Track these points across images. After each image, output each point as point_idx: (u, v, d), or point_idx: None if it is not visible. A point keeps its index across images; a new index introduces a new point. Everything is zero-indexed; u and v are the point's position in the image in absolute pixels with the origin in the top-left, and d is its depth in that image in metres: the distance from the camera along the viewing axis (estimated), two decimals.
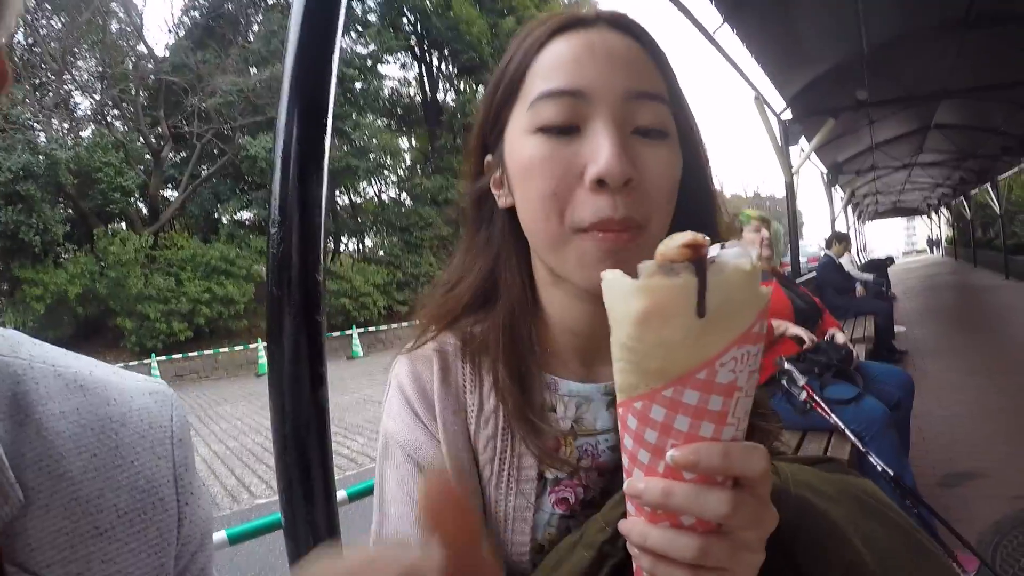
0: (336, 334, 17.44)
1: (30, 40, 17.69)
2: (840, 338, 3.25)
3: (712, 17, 4.95)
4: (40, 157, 15.42)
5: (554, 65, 0.61)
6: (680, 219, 0.65)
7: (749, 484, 0.41)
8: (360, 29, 22.84)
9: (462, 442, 0.68)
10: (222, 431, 8.37)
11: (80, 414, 0.52)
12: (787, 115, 7.40)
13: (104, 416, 0.53)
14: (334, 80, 0.94)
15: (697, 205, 0.68)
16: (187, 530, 0.57)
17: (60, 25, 18.40)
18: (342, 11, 0.92)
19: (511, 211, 0.67)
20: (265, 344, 0.90)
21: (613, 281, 0.39)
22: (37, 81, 18.29)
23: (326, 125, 0.92)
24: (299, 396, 0.91)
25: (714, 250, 0.38)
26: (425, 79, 25.47)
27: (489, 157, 0.70)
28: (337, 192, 22.70)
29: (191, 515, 0.57)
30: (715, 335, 0.37)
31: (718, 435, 0.39)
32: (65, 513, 0.47)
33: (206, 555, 0.61)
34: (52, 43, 18.01)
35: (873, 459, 2.47)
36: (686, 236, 0.37)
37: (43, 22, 18.34)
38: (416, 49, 24.82)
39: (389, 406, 0.72)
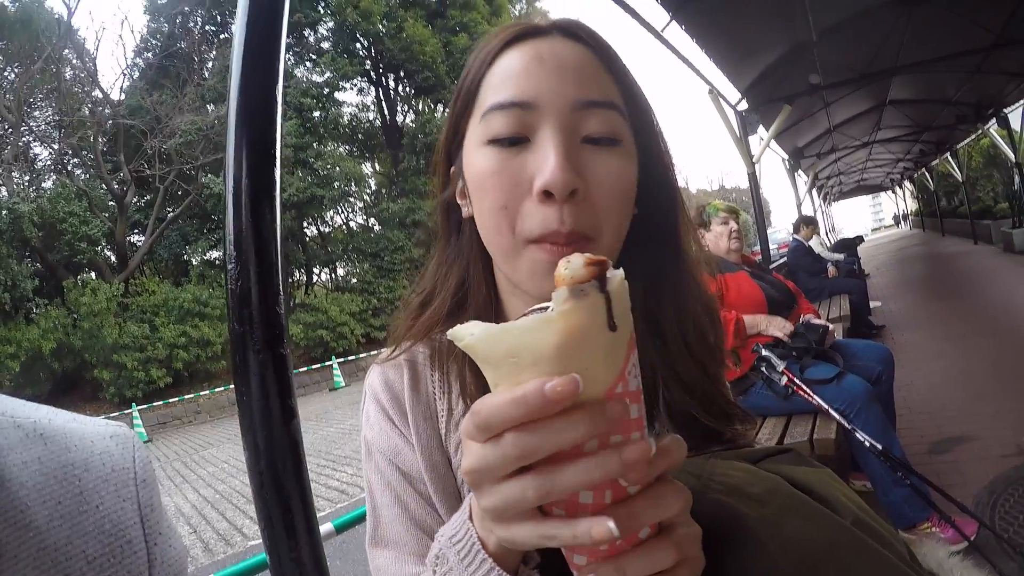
0: (316, 366, 17.29)
1: None
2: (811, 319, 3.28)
3: (659, 15, 5.01)
4: (2, 212, 15.15)
5: (504, 77, 0.61)
6: (642, 223, 0.66)
7: (675, 525, 0.41)
8: (314, 57, 22.84)
9: (435, 446, 0.70)
10: (209, 475, 8.23)
11: (42, 463, 0.51)
12: (743, 106, 7.50)
13: (66, 463, 0.53)
14: (280, 109, 0.93)
15: (659, 208, 0.68)
16: (159, 572, 0.56)
17: (13, 76, 18.13)
18: (283, 37, 0.92)
19: (474, 221, 0.68)
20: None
21: (512, 327, 0.37)
22: None
23: (275, 156, 0.91)
24: (271, 432, 0.89)
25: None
26: (383, 102, 25.54)
27: (453, 169, 0.71)
28: (305, 223, 22.60)
29: (162, 556, 0.57)
30: (620, 346, 0.38)
31: (627, 439, 0.38)
32: (34, 563, 0.47)
33: None
34: (7, 95, 17.72)
35: (860, 435, 2.49)
36: (585, 255, 0.37)
37: None
38: (372, 73, 24.90)
39: (366, 415, 0.75)
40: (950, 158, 16.41)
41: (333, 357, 17.56)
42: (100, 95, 20.28)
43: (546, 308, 0.37)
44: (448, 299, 0.72)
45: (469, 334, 0.38)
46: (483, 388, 0.66)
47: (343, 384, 16.45)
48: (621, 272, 0.38)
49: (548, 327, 0.36)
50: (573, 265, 0.37)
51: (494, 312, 0.72)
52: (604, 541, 0.37)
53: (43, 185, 18.85)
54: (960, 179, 16.67)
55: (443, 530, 0.52)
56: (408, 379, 0.73)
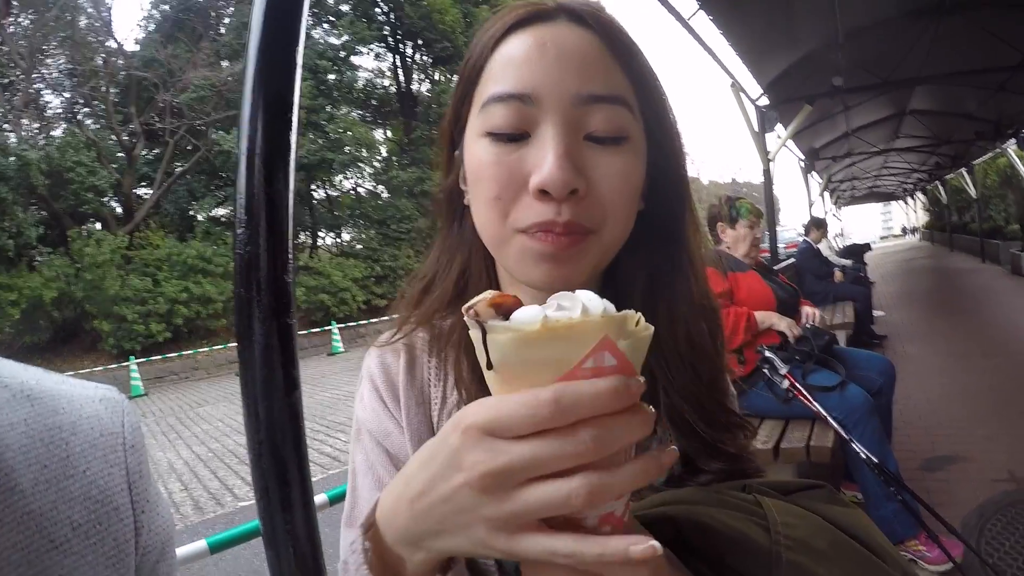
0: (316, 330, 17.33)
1: None
2: (812, 313, 3.26)
3: (687, 3, 4.96)
4: (11, 159, 15.11)
5: (504, 65, 0.58)
6: (647, 219, 0.64)
7: None
8: (332, 19, 22.62)
9: (425, 433, 0.69)
10: (203, 433, 8.28)
11: (28, 425, 0.50)
12: (763, 102, 7.43)
13: (53, 426, 0.52)
14: (299, 72, 0.90)
15: (667, 206, 0.66)
16: (145, 539, 0.56)
17: (28, 23, 17.97)
18: None
19: None
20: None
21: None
22: (6, 81, 17.88)
23: (291, 120, 0.88)
24: (272, 401, 0.87)
25: (544, 309, 0.37)
26: (399, 70, 25.37)
27: (456, 153, 0.68)
28: (313, 186, 22.52)
29: (149, 524, 0.56)
30: (508, 389, 0.38)
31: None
32: (18, 528, 0.46)
33: (168, 564, 0.60)
34: (20, 41, 17.58)
35: (856, 446, 2.49)
36: (485, 295, 0.39)
37: (10, 20, 17.90)
38: (390, 39, 24.70)
39: (361, 395, 0.74)
40: (965, 174, 16.30)
41: (333, 322, 17.55)
42: (114, 45, 20.16)
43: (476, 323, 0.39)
44: (450, 287, 0.71)
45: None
46: (479, 378, 0.65)
47: (342, 350, 16.46)
48: (519, 326, 0.37)
49: None
50: (483, 296, 0.39)
51: None
52: (648, 561, 0.35)
53: (52, 133, 18.74)
54: (974, 196, 16.57)
55: (346, 534, 0.52)
56: (404, 363, 0.72)
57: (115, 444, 0.55)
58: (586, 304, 0.36)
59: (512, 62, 0.58)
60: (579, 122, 0.56)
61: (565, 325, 0.35)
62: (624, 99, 0.58)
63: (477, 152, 0.59)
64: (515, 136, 0.57)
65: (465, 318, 0.38)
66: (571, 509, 0.35)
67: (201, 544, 1.79)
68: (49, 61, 19.18)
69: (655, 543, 0.34)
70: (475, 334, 0.38)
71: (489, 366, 0.38)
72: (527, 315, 0.37)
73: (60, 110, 19.78)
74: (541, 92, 0.56)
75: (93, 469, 0.53)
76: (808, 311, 3.34)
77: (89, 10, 19.50)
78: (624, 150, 0.58)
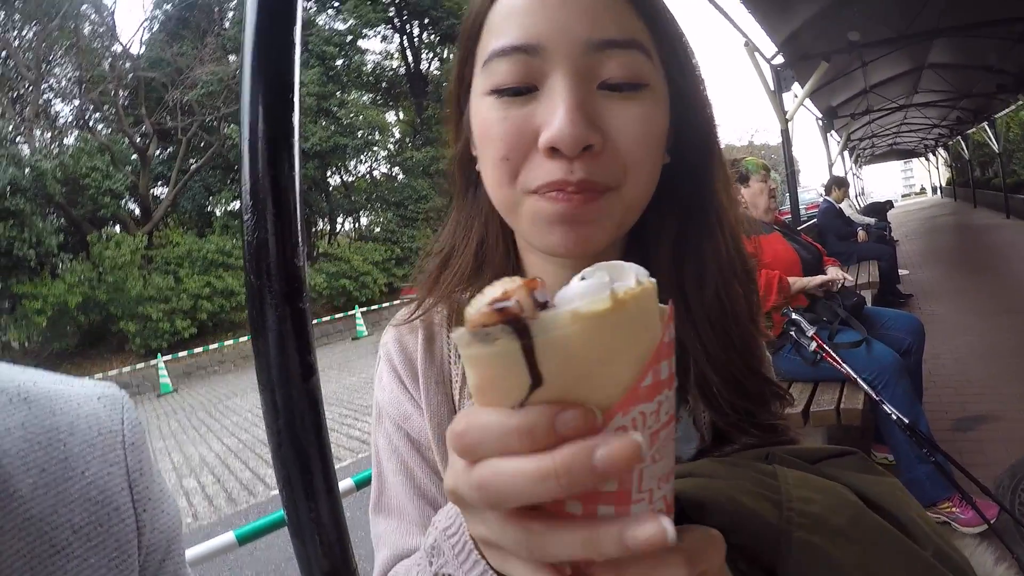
0: (339, 315, 17.49)
1: (3, 52, 17.44)
2: (835, 272, 3.19)
3: None
4: (26, 170, 15.32)
5: (506, 17, 0.54)
6: (672, 174, 0.59)
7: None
8: (337, 5, 22.49)
9: (445, 412, 0.66)
10: (234, 424, 8.41)
11: (25, 428, 0.49)
12: (778, 60, 7.26)
13: (50, 427, 0.51)
14: (298, 52, 0.88)
15: (693, 158, 0.61)
16: (149, 538, 0.55)
17: (32, 34, 18.11)
18: None
19: None
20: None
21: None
22: (15, 94, 18.07)
23: (293, 101, 0.86)
24: (290, 389, 0.86)
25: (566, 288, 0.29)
26: (407, 50, 25.26)
27: (464, 117, 0.64)
28: (328, 172, 22.60)
29: (151, 522, 0.55)
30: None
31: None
32: (19, 535, 0.45)
33: (175, 562, 0.59)
34: (26, 53, 17.74)
35: (887, 407, 2.45)
36: (495, 290, 0.29)
37: (15, 33, 18.05)
38: (396, 20, 24.55)
39: (379, 377, 0.72)
40: (987, 127, 15.84)
41: (356, 307, 17.66)
42: (120, 49, 20.32)
43: (489, 334, 0.28)
44: (470, 258, 0.67)
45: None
46: None
47: (366, 333, 16.59)
48: (586, 305, 0.28)
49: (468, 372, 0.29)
50: (476, 302, 0.29)
51: (512, 270, 0.66)
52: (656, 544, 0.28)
53: (65, 141, 18.98)
54: (997, 150, 16.12)
55: (437, 518, 0.48)
56: (423, 341, 0.69)
57: (114, 443, 0.54)
58: (626, 270, 0.29)
59: (513, 12, 0.53)
60: (591, 71, 0.52)
61: (635, 295, 0.28)
62: (639, 43, 0.53)
63: (482, 111, 0.56)
64: (521, 90, 0.53)
65: (476, 333, 0.28)
66: (525, 557, 0.31)
67: (229, 536, 1.80)
68: (57, 70, 19.39)
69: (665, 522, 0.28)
70: (510, 346, 0.27)
71: (536, 381, 0.28)
72: (580, 290, 0.29)
73: (71, 117, 20.03)
74: (547, 41, 0.51)
75: (92, 470, 0.52)
76: (836, 272, 3.26)
77: (92, 16, 19.60)
78: (643, 97, 0.53)
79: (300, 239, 0.86)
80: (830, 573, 0.44)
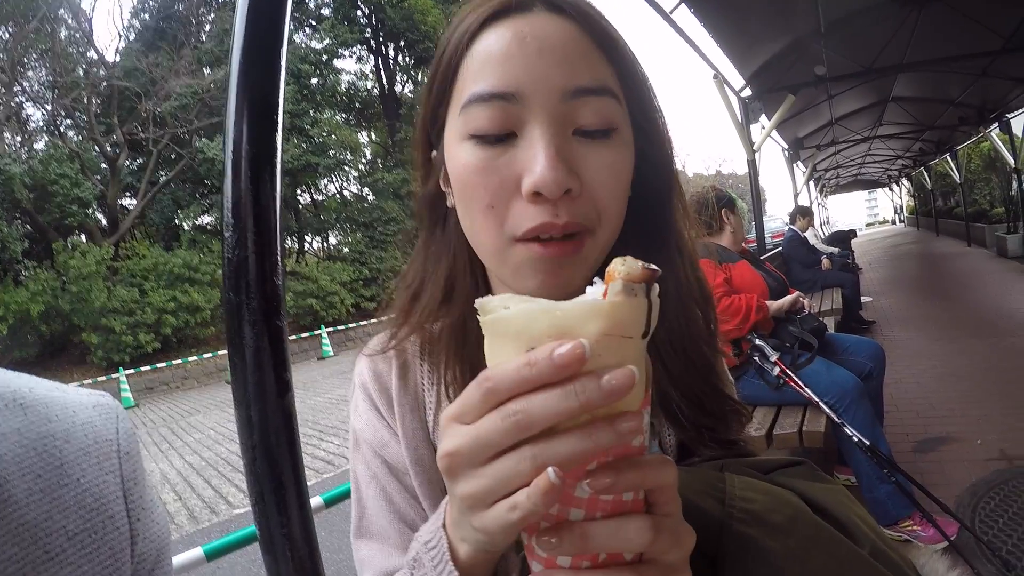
0: (305, 335, 17.29)
1: None
2: (806, 304, 3.27)
3: None
4: None
5: (483, 62, 0.55)
6: (635, 206, 0.61)
7: (662, 503, 0.39)
8: (314, 24, 22.53)
9: (421, 439, 0.68)
10: (196, 442, 8.22)
11: (21, 434, 0.50)
12: (747, 93, 7.46)
13: (46, 434, 0.51)
14: (283, 74, 0.90)
15: (654, 192, 0.64)
16: (141, 547, 0.55)
17: (7, 35, 17.77)
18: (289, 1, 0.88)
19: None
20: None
21: (555, 307, 0.36)
22: None
23: (277, 121, 0.88)
24: (265, 405, 0.87)
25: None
26: (382, 71, 25.31)
27: (435, 154, 0.66)
28: (299, 190, 22.45)
29: (144, 531, 0.56)
30: (645, 360, 0.38)
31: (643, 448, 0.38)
32: (13, 540, 0.45)
33: (163, 571, 0.59)
34: (0, 55, 17.38)
35: (848, 430, 2.51)
36: (637, 262, 0.37)
37: None
38: (372, 42, 24.63)
39: (355, 405, 0.74)
40: (949, 159, 16.42)
41: (323, 326, 17.48)
42: (95, 56, 19.99)
43: (633, 289, 0.37)
44: (438, 292, 0.69)
45: (503, 307, 0.38)
46: (470, 380, 0.65)
47: (331, 353, 16.41)
48: (658, 289, 0.38)
49: (595, 313, 0.35)
50: (630, 263, 0.36)
51: None
52: (547, 490, 0.35)
53: (35, 146, 18.60)
54: (958, 180, 16.69)
55: (420, 533, 0.51)
56: (397, 369, 0.71)
57: (109, 451, 0.55)
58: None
59: (491, 58, 0.55)
60: (567, 117, 0.54)
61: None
62: (611, 89, 0.56)
63: (461, 157, 0.56)
64: (501, 137, 0.54)
65: (624, 284, 0.36)
66: (524, 478, 0.36)
67: (197, 552, 1.77)
68: (30, 74, 18.99)
69: (550, 471, 0.35)
70: (643, 301, 0.36)
71: (646, 334, 0.37)
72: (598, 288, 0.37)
73: (42, 122, 19.59)
74: (526, 89, 0.53)
75: (87, 477, 0.52)
76: (800, 300, 3.35)
77: (69, 21, 19.31)
78: (613, 142, 0.56)
79: (279, 258, 0.88)
80: (764, 563, 0.48)
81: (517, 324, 0.37)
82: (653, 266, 0.37)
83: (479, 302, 0.39)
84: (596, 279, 0.38)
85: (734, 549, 0.48)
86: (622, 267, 0.36)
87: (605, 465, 0.36)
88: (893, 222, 44.96)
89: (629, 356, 0.36)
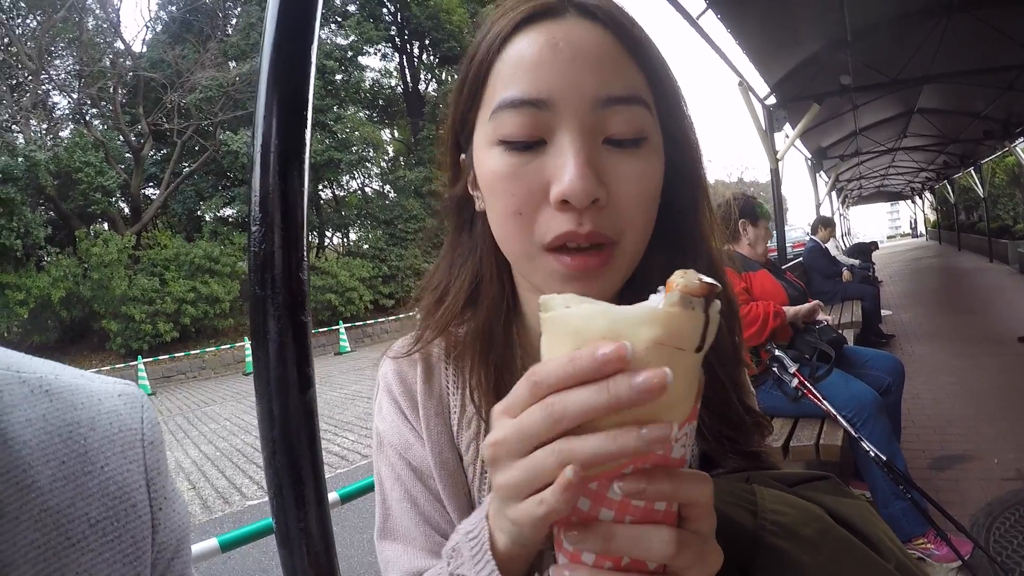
0: (323, 330, 17.38)
1: (6, 40, 17.36)
2: (817, 313, 3.23)
3: (695, 3, 4.93)
4: (19, 159, 15.14)
5: (515, 68, 0.55)
6: (663, 216, 0.61)
7: (693, 519, 0.39)
8: (340, 20, 22.67)
9: (445, 442, 0.69)
10: (211, 432, 8.30)
11: (47, 420, 0.50)
12: (771, 101, 7.40)
13: (71, 421, 0.51)
14: (313, 70, 0.91)
15: (683, 202, 0.64)
16: (162, 536, 0.55)
17: (36, 24, 18.06)
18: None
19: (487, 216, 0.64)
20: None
21: (613, 310, 0.37)
22: (13, 82, 17.97)
23: (306, 117, 0.89)
24: (287, 400, 0.88)
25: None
26: (406, 69, 25.39)
27: (463, 157, 0.66)
28: (320, 186, 22.56)
29: (165, 521, 0.56)
30: (697, 376, 0.39)
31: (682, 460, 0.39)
32: (36, 525, 0.46)
33: (183, 561, 0.59)
34: (28, 42, 17.67)
35: (865, 444, 2.48)
36: (694, 275, 0.37)
37: (18, 21, 18.01)
38: (397, 39, 24.72)
39: (379, 406, 0.74)
40: (973, 173, 16.19)
41: (341, 322, 17.56)
42: (122, 46, 20.23)
43: (691, 302, 0.37)
44: (463, 295, 0.69)
45: (564, 306, 0.39)
46: (498, 385, 0.66)
47: (349, 349, 16.50)
48: (719, 305, 0.38)
49: (650, 320, 0.36)
50: (689, 276, 0.37)
51: (507, 308, 0.68)
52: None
53: (60, 134, 18.79)
54: (982, 195, 16.45)
55: (462, 524, 0.51)
56: (421, 373, 0.71)
57: (133, 440, 0.55)
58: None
59: (523, 64, 0.54)
60: (597, 126, 0.54)
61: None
62: (642, 98, 0.55)
63: (490, 162, 0.57)
64: (530, 144, 0.54)
65: (682, 296, 0.36)
66: (550, 473, 0.37)
67: (212, 543, 1.79)
68: (57, 62, 19.27)
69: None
70: (700, 315, 0.36)
71: (700, 348, 0.37)
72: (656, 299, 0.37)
73: (68, 111, 19.85)
74: (557, 97, 0.53)
75: (111, 465, 0.52)
76: (819, 309, 3.31)
77: (97, 11, 19.58)
78: (643, 152, 0.56)
79: (305, 253, 0.88)
80: (793, 572, 0.48)
81: (575, 323, 0.38)
82: (712, 280, 0.37)
83: (542, 299, 0.40)
84: (660, 288, 0.38)
85: (767, 562, 0.48)
86: (681, 279, 0.37)
87: (640, 471, 0.37)
88: (917, 234, 44.39)
89: (680, 367, 0.36)
